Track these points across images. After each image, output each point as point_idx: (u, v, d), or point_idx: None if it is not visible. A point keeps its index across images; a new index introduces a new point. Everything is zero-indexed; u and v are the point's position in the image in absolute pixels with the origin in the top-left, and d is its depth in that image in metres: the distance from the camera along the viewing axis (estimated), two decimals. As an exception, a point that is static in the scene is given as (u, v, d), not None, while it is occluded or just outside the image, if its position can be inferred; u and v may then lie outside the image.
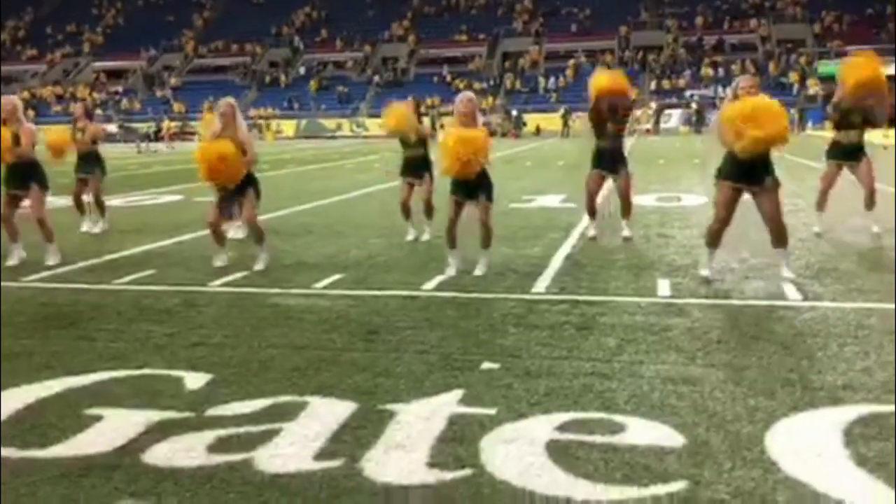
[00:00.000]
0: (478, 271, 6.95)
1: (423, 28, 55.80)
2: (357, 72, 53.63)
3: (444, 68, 51.51)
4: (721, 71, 46.44)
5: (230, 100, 7.58)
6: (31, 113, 40.36)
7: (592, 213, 8.95)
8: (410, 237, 8.94)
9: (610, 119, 8.46)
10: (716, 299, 6.02)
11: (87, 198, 10.57)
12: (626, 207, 8.83)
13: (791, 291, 6.16)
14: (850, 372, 4.27)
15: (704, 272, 6.67)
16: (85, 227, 10.36)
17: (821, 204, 8.90)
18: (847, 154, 8.58)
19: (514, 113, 44.32)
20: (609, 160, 8.67)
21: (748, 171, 6.31)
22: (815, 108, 41.39)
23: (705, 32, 50.76)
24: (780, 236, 6.50)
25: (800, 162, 17.82)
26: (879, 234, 8.53)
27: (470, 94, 7.20)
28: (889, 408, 3.76)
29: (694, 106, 42.74)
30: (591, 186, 8.84)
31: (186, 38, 58.86)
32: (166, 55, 58.06)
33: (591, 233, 8.89)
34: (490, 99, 47.01)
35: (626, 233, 8.78)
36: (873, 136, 17.11)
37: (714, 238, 6.64)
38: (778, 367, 4.37)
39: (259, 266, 7.43)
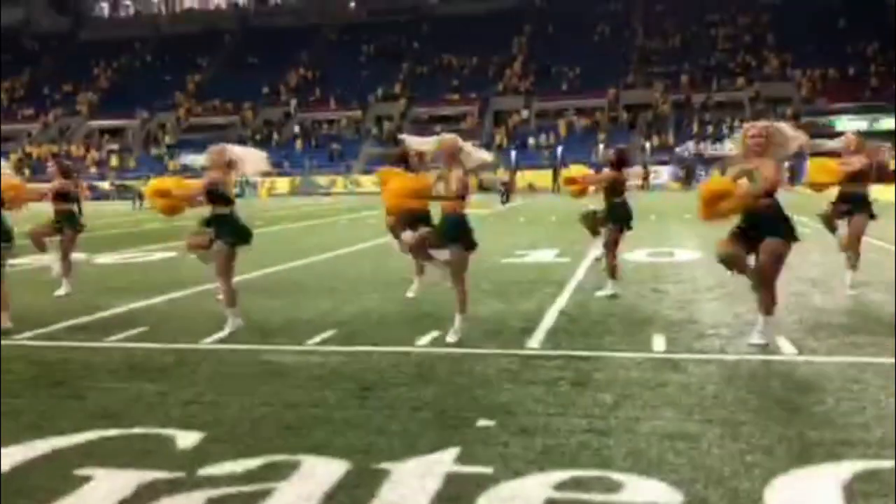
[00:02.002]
0: (451, 337, 6.56)
1: (415, 87, 56.65)
2: (351, 131, 54.27)
3: (438, 126, 52.17)
4: (710, 129, 47.22)
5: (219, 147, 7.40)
6: (26, 172, 40.67)
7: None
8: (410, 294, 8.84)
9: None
10: (711, 354, 6.01)
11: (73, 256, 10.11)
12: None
13: (786, 346, 6.15)
14: (847, 427, 4.25)
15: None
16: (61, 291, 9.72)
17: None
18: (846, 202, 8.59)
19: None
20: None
21: (753, 233, 6.03)
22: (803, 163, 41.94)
23: (693, 91, 51.68)
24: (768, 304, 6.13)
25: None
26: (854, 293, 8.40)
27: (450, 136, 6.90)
28: (888, 463, 3.73)
29: (685, 162, 43.30)
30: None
31: (181, 98, 59.58)
32: (161, 114, 58.68)
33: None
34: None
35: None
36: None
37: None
38: (775, 423, 4.34)
39: (228, 329, 7.04)
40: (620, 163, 8.82)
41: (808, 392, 4.94)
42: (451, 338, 6.56)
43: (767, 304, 6.16)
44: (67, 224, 9.92)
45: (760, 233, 6.01)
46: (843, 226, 8.76)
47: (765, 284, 6.11)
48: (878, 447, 3.95)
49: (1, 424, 4.61)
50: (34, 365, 6.18)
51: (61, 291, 9.72)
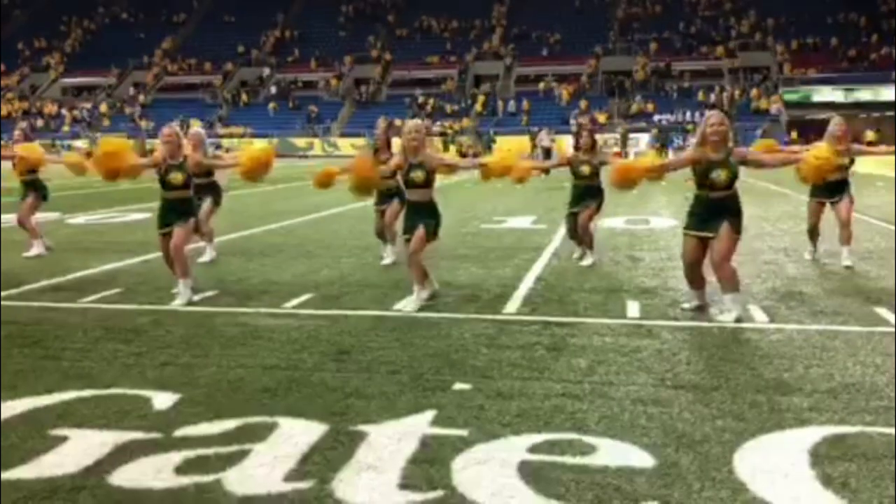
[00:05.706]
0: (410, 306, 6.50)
1: (395, 49, 56.02)
2: (329, 92, 53.65)
3: (417, 90, 51.72)
4: (690, 94, 47.28)
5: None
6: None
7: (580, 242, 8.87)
8: (387, 260, 8.84)
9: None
10: (684, 321, 6.09)
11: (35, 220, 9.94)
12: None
13: (758, 314, 6.24)
14: (815, 393, 4.34)
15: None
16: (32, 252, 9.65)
17: (812, 234, 8.71)
18: (829, 191, 8.34)
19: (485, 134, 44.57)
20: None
21: (709, 219, 6.09)
22: (779, 130, 42.17)
23: (674, 59, 51.57)
24: (731, 280, 6.12)
25: (767, 187, 18.14)
26: (851, 266, 8.27)
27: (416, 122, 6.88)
28: (853, 429, 3.82)
29: (659, 130, 43.40)
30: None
31: (157, 57, 58.49)
32: (136, 72, 57.60)
33: (580, 258, 8.79)
34: (464, 121, 47.45)
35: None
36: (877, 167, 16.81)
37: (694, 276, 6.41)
38: (745, 389, 4.42)
39: (179, 301, 6.79)
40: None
41: (778, 359, 5.03)
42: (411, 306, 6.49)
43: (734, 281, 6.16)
44: (32, 190, 9.91)
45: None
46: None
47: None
48: (844, 413, 4.05)
49: (-25, 384, 4.58)
50: (8, 325, 6.12)
51: (32, 253, 9.65)
